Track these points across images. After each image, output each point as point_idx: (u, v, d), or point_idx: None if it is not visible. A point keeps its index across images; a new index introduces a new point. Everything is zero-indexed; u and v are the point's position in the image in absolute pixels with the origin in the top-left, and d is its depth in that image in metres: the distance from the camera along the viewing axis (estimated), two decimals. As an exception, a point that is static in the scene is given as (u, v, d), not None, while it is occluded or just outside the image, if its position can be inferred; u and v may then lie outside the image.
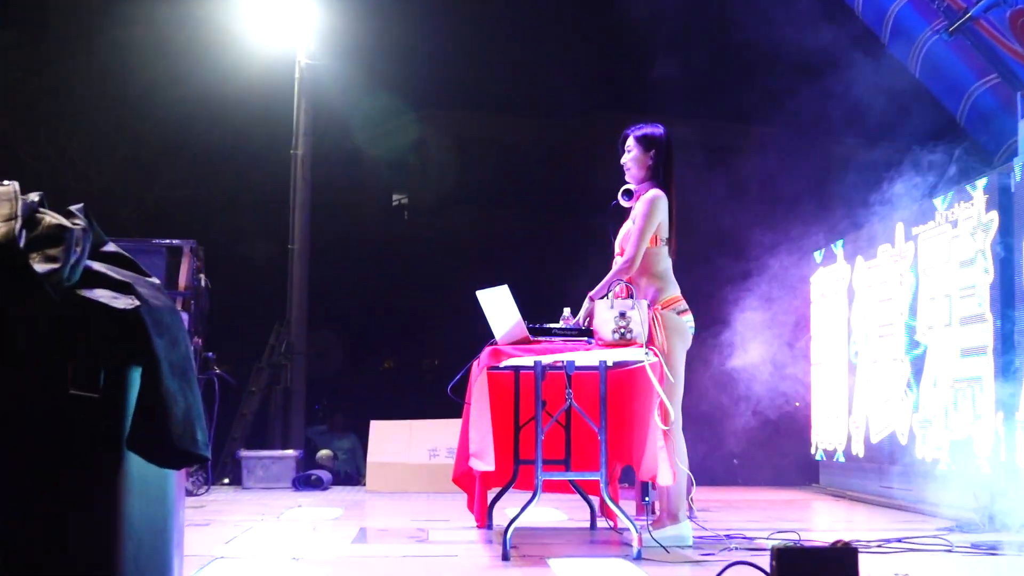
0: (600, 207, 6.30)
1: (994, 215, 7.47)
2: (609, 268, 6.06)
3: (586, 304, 5.91)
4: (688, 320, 5.98)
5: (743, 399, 10.56)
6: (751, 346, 10.01)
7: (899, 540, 5.91)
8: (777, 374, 10.61)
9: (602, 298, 5.69)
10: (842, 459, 10.22)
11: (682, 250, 6.18)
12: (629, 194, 6.13)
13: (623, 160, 6.17)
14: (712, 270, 11.07)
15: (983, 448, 7.49)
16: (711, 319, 11.59)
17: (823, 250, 10.93)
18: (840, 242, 10.45)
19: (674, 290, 6.01)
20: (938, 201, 8.25)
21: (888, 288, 9.22)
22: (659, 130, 6.16)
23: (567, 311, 5.92)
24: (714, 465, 12.01)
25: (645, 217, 5.95)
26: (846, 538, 3.64)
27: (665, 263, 6.05)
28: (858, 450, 9.77)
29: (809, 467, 11.52)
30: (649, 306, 5.74)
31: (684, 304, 5.99)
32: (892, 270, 9.14)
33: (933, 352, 8.34)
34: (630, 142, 6.16)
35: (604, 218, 6.22)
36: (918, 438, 8.48)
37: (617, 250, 6.11)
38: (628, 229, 6.06)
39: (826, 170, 24.94)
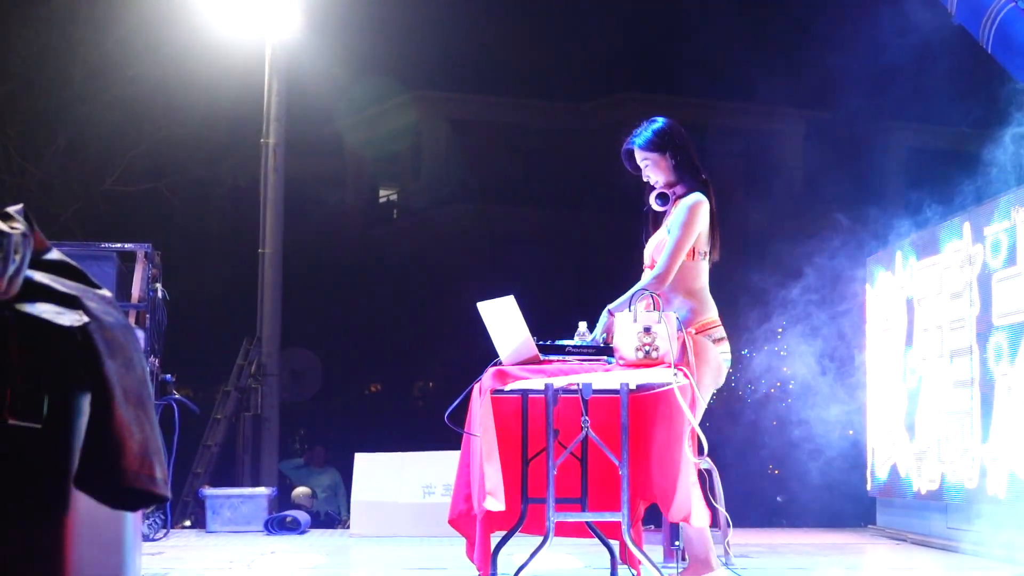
0: (623, 203, 6.24)
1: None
2: (636, 279, 6.02)
3: (604, 317, 5.85)
4: (724, 351, 5.86)
5: (787, 427, 10.56)
6: (796, 363, 10.02)
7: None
8: (827, 396, 10.62)
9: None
10: (904, 496, 10.22)
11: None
12: (665, 198, 6.02)
13: (645, 177, 6.04)
14: (740, 278, 11.08)
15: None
16: (747, 334, 11.60)
17: (879, 253, 10.93)
18: (906, 243, 10.48)
19: (711, 312, 5.91)
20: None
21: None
22: (661, 123, 6.03)
23: (583, 326, 5.90)
24: (755, 504, 12.03)
25: (684, 227, 5.83)
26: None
27: (703, 279, 5.95)
28: (920, 486, 9.78)
29: (866, 506, 11.53)
30: (679, 329, 5.69)
31: (722, 331, 5.87)
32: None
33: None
34: (640, 156, 6.03)
35: (636, 224, 6.17)
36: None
37: (648, 262, 6.03)
38: (662, 239, 5.97)
39: (875, 160, 24.99)
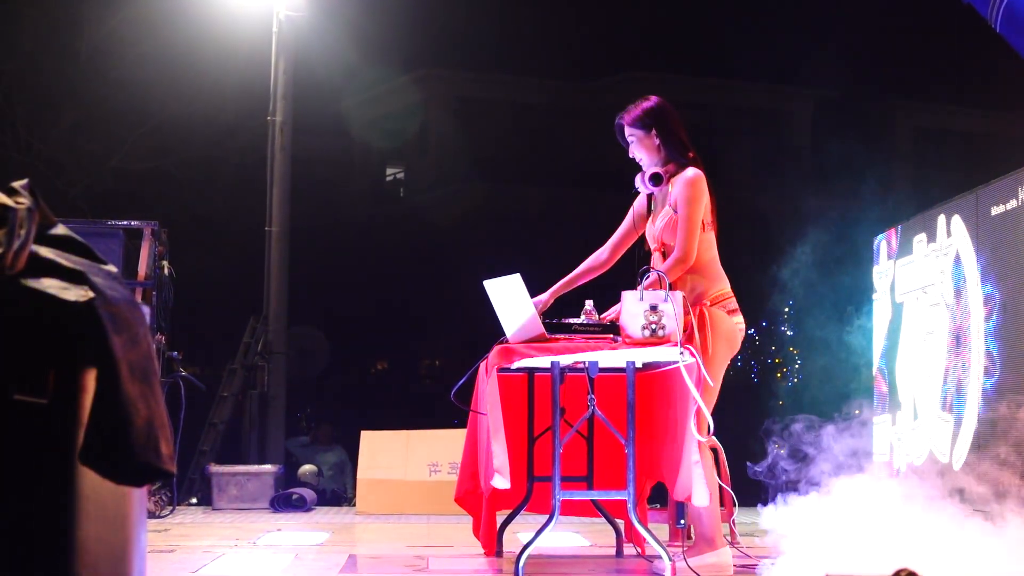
0: (629, 181, 6.23)
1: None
2: (642, 258, 6.01)
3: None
4: (738, 322, 5.87)
5: (794, 404, 10.54)
6: (803, 343, 10.01)
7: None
8: (835, 375, 10.60)
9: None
10: (908, 471, 10.21)
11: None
12: (658, 179, 6.01)
13: (632, 155, 6.08)
14: (751, 254, 11.06)
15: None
16: (759, 311, 11.57)
17: (885, 236, 10.92)
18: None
19: (724, 284, 5.91)
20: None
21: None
22: (650, 102, 6.03)
23: (589, 304, 5.89)
24: (762, 484, 12.03)
25: (690, 203, 5.81)
26: (913, 566, 3.66)
27: (712, 251, 5.94)
28: (926, 463, 9.77)
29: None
30: (695, 303, 5.70)
31: (734, 302, 5.88)
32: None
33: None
34: (628, 132, 6.05)
35: (629, 202, 6.19)
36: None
37: (654, 244, 6.01)
38: (669, 217, 5.94)
39: (883, 141, 24.92)
